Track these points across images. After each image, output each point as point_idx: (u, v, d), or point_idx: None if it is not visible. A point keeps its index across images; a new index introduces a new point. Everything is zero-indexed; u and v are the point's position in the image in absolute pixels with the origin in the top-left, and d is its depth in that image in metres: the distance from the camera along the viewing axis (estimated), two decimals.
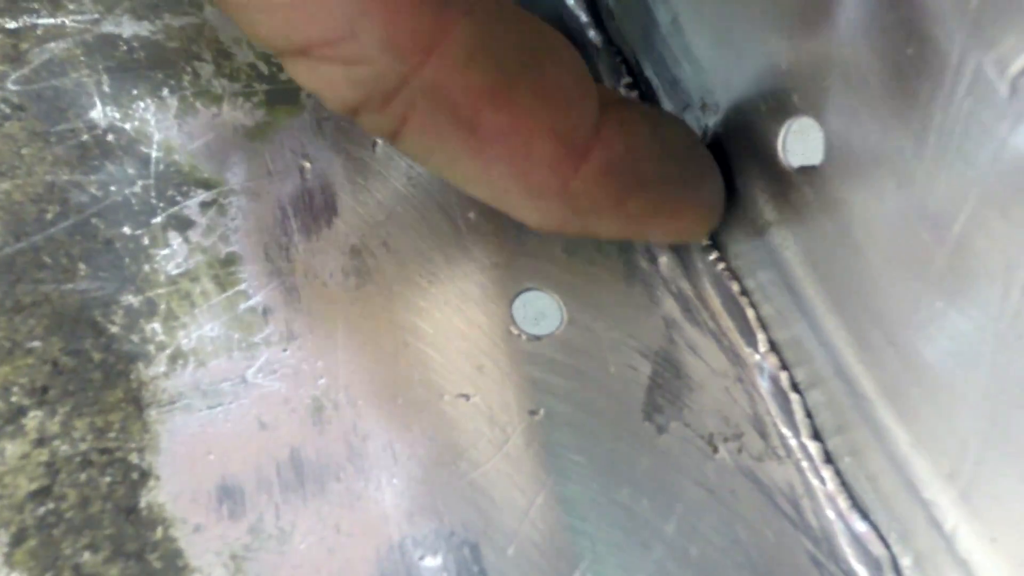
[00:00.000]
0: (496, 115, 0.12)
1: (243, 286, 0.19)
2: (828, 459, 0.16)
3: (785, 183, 0.16)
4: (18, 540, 0.14)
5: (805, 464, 0.17)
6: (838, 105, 0.14)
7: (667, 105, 0.21)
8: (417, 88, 0.11)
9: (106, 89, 0.20)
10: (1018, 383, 0.11)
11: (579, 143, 0.13)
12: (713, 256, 0.19)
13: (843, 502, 0.16)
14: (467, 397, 0.18)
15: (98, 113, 0.20)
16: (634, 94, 0.22)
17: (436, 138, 0.12)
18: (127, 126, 0.20)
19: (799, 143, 0.16)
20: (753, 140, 0.17)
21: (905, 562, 0.15)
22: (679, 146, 0.16)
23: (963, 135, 0.11)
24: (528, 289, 0.20)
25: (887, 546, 0.15)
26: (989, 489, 0.12)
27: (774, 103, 0.16)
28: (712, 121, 0.19)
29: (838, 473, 0.16)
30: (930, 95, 0.11)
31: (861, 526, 0.15)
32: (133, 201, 0.19)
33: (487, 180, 0.13)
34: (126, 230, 0.19)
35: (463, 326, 0.19)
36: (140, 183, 0.20)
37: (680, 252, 0.20)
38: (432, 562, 0.16)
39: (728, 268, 0.19)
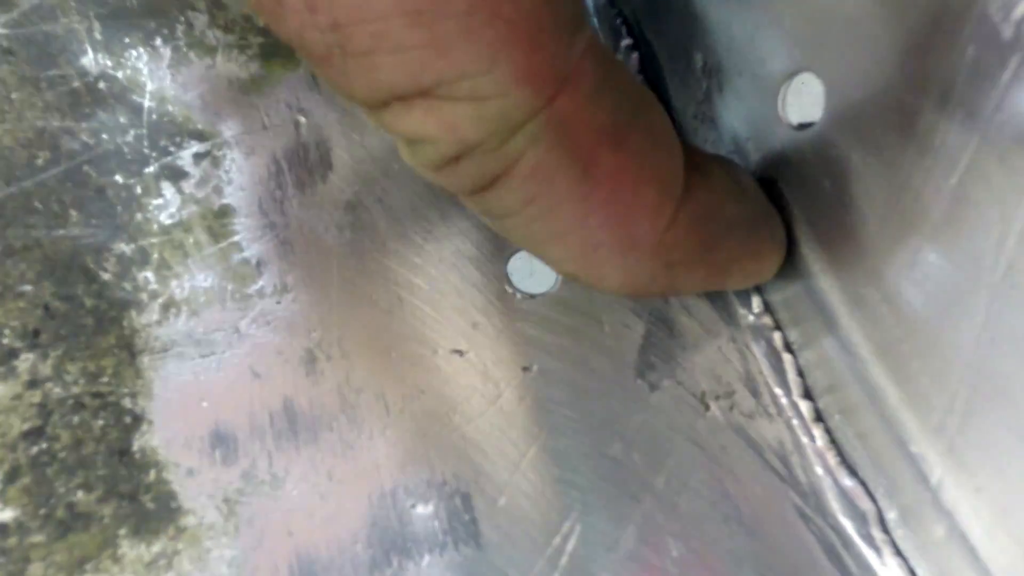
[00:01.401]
0: (613, 155, 0.11)
1: (237, 238, 0.19)
2: (818, 417, 0.17)
3: (785, 140, 0.16)
4: (11, 478, 0.14)
5: (795, 422, 0.17)
6: (840, 58, 0.14)
7: (667, 67, 0.20)
8: (544, 122, 0.11)
9: (97, 36, 0.20)
10: (1010, 334, 0.11)
11: (677, 192, 0.13)
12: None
13: (832, 458, 0.16)
14: (461, 353, 0.18)
15: (89, 60, 0.20)
16: (634, 56, 0.21)
17: (544, 181, 0.11)
18: (119, 74, 0.20)
19: (799, 99, 0.16)
20: (753, 98, 0.17)
21: (891, 516, 0.15)
22: (749, 185, 0.15)
23: (965, 83, 0.11)
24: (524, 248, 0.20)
25: (874, 500, 0.15)
26: (975, 441, 0.12)
27: (775, 59, 0.16)
28: (713, 83, 0.19)
29: (828, 431, 0.16)
30: (934, 43, 0.11)
31: (849, 481, 0.16)
32: (125, 150, 0.19)
33: (583, 230, 0.12)
34: (118, 178, 0.19)
35: (458, 283, 0.19)
36: (132, 132, 0.19)
37: None
38: (423, 510, 0.16)
39: None
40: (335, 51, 0.10)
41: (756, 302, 0.18)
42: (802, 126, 0.16)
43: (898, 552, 0.15)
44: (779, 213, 0.16)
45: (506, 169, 0.11)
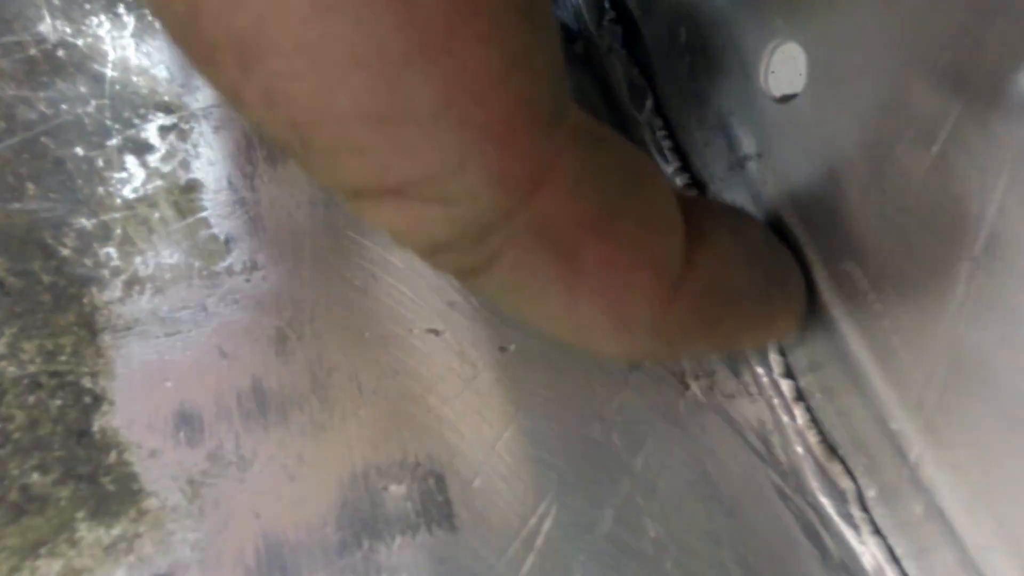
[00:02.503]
0: (600, 245, 0.11)
1: (204, 214, 0.18)
2: (799, 396, 0.16)
3: (766, 113, 0.16)
4: None
5: (776, 401, 0.17)
6: (821, 25, 0.13)
7: (651, 42, 0.20)
8: (521, 221, 0.10)
9: (56, 2, 0.19)
10: (988, 307, 0.11)
11: (675, 272, 0.12)
12: (693, 194, 0.19)
13: (812, 437, 0.16)
14: (437, 332, 0.18)
15: (47, 27, 0.19)
16: (619, 28, 0.21)
17: (528, 273, 0.11)
18: (79, 42, 0.19)
19: (781, 71, 0.16)
20: (736, 71, 0.17)
21: (870, 494, 0.15)
22: (761, 248, 0.14)
23: (952, 50, 0.11)
24: None
25: (853, 479, 0.15)
26: (953, 417, 0.12)
27: (757, 30, 0.15)
28: (697, 57, 0.18)
29: (808, 410, 0.16)
30: (918, 6, 0.11)
31: (829, 460, 0.15)
32: (86, 121, 0.18)
33: (574, 315, 0.11)
34: (78, 151, 0.18)
35: None
36: (94, 103, 0.18)
37: None
38: (396, 491, 0.15)
39: None
40: (296, 144, 0.09)
41: None
42: (784, 98, 0.15)
43: (877, 530, 0.15)
44: (796, 261, 0.15)
45: (486, 263, 0.10)
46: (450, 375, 0.17)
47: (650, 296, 0.11)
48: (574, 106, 0.10)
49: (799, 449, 0.16)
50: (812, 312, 0.16)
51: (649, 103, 0.20)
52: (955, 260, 0.12)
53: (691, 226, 0.12)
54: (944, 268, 0.12)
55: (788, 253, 0.15)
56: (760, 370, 0.17)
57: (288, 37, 0.08)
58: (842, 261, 0.14)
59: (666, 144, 0.19)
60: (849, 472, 0.15)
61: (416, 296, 0.18)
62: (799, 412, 0.16)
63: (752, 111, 0.16)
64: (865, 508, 0.15)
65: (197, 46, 0.08)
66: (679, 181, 0.19)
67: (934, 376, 0.12)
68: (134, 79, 0.19)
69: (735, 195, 0.18)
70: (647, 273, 0.11)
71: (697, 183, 0.19)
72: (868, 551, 0.15)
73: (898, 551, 0.14)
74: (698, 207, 0.13)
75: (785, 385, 0.17)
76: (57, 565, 0.13)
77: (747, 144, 0.17)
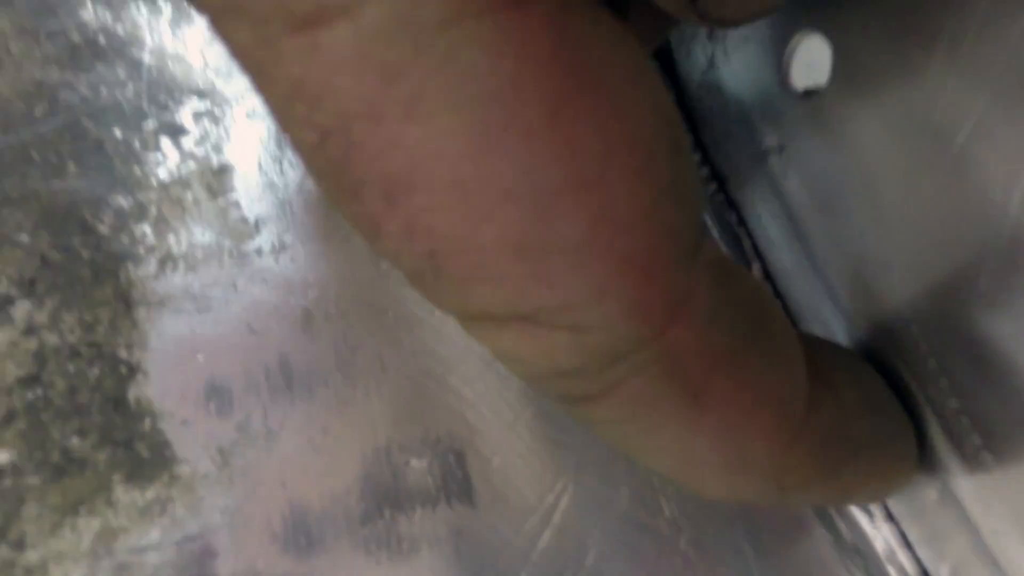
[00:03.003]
0: (727, 381, 0.10)
1: (235, 196, 0.19)
2: None
3: (789, 107, 0.16)
4: (7, 421, 0.14)
5: None
6: (847, 17, 0.14)
7: (673, 32, 0.20)
8: (653, 352, 0.09)
9: None
10: (1009, 300, 0.11)
11: (798, 414, 0.11)
12: (713, 187, 0.19)
13: None
14: None
15: (89, 14, 0.19)
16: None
17: (647, 406, 0.10)
18: (118, 29, 0.20)
19: (805, 64, 0.16)
20: (759, 64, 0.17)
21: None
22: (880, 398, 0.13)
23: (976, 34, 0.11)
24: None
25: None
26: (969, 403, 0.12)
27: (782, 20, 0.15)
28: (718, 48, 0.18)
29: None
30: None
31: None
32: (124, 105, 0.19)
33: (688, 452, 0.11)
34: (117, 133, 0.18)
35: None
36: (132, 87, 0.19)
37: None
38: (417, 465, 0.16)
39: (727, 199, 0.19)
40: (428, 272, 0.09)
41: (756, 269, 0.18)
42: (808, 92, 0.16)
43: (890, 516, 0.15)
44: (909, 417, 0.14)
45: (603, 392, 0.10)
46: (471, 356, 0.18)
47: (771, 437, 0.11)
48: (708, 237, 0.10)
49: None
50: (830, 302, 0.16)
51: (671, 94, 0.20)
52: (978, 255, 0.12)
53: (812, 370, 0.12)
54: (966, 263, 0.12)
55: (900, 406, 0.14)
56: None
57: (441, 175, 0.08)
58: (861, 257, 0.15)
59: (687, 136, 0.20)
60: None
61: None
62: None
63: (775, 104, 0.16)
64: None
65: (343, 183, 0.08)
66: (701, 172, 0.19)
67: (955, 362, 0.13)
68: (170, 65, 0.20)
69: (755, 189, 0.18)
70: (771, 412, 0.11)
71: (717, 176, 0.19)
72: (881, 535, 0.15)
73: (911, 536, 0.14)
74: (820, 349, 0.13)
75: None
76: (96, 523, 0.14)
77: (769, 138, 0.17)
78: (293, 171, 0.20)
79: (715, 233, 0.19)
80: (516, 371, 0.10)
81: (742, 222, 0.19)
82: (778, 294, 0.18)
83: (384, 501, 0.15)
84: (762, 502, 0.13)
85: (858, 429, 0.12)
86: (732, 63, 0.18)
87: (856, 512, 0.15)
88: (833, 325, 0.16)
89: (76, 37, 0.19)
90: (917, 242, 0.13)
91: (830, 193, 0.16)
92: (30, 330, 0.15)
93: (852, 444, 0.12)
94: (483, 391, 0.17)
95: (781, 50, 0.16)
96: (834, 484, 0.12)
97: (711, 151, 0.19)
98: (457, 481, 0.16)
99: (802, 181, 0.16)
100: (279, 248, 0.18)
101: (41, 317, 0.16)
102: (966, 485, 0.13)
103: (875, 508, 0.15)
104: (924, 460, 0.14)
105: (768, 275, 0.18)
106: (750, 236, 0.18)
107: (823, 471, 0.12)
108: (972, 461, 0.13)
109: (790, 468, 0.11)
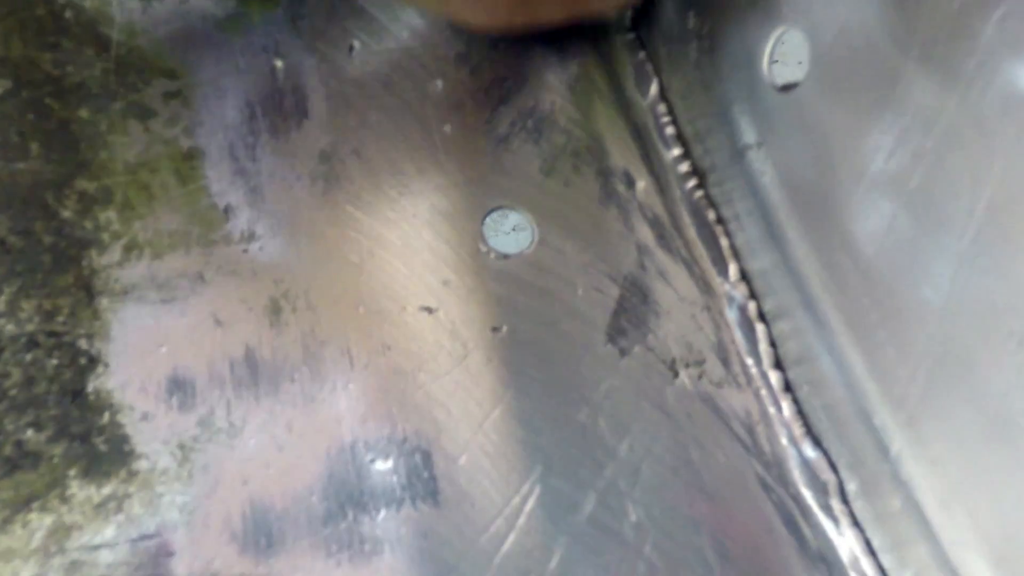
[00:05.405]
0: None
1: (205, 182, 0.18)
2: (787, 388, 0.16)
3: (768, 102, 0.16)
4: None
5: (764, 392, 0.17)
6: (824, 13, 0.13)
7: (659, 25, 0.20)
8: None
9: None
10: (973, 301, 0.11)
11: None
12: (692, 183, 0.19)
13: (797, 429, 0.16)
14: (430, 310, 0.18)
15: None
16: (628, 11, 0.21)
17: None
18: (86, 4, 0.19)
19: (784, 60, 0.15)
20: (740, 58, 0.16)
21: (851, 487, 0.15)
22: None
23: (948, 39, 0.11)
24: (501, 207, 0.19)
25: (835, 471, 0.15)
26: (934, 412, 0.12)
27: (761, 14, 0.15)
28: (704, 45, 0.18)
29: (795, 401, 0.16)
30: None
31: (812, 453, 0.16)
32: (91, 84, 0.18)
33: None
34: (83, 113, 0.18)
35: (431, 240, 0.19)
36: (99, 66, 0.19)
37: (659, 177, 0.19)
38: (382, 465, 0.15)
39: (706, 195, 0.19)
40: None
41: (733, 270, 0.18)
42: (786, 87, 0.15)
43: (856, 523, 0.15)
44: None
45: None
46: (441, 353, 0.17)
47: None
48: None
49: (784, 440, 0.16)
50: (804, 303, 0.16)
51: (654, 88, 0.19)
52: (942, 255, 0.12)
53: None
54: (931, 263, 0.12)
55: None
56: (750, 360, 0.17)
57: None
58: (834, 252, 0.14)
59: (669, 131, 0.19)
60: (832, 465, 0.15)
61: (411, 273, 0.18)
62: (786, 404, 0.16)
63: (754, 99, 0.16)
64: (845, 500, 0.15)
65: None
66: (681, 168, 0.19)
67: (918, 371, 0.12)
68: (139, 43, 0.19)
69: (734, 186, 0.18)
70: None
71: (697, 171, 0.19)
72: (846, 543, 0.15)
73: (875, 543, 0.14)
74: None
75: (774, 376, 0.17)
76: (48, 520, 0.13)
77: (748, 133, 0.17)
78: (267, 158, 0.19)
79: (694, 231, 0.19)
80: None
81: (720, 220, 0.18)
82: (754, 295, 0.18)
83: (347, 501, 0.15)
84: (519, 19, 0.14)
85: None
86: (715, 60, 0.18)
87: (823, 519, 0.15)
88: (809, 329, 0.16)
89: (41, 11, 0.19)
90: (885, 240, 0.13)
91: (805, 190, 0.15)
92: None
93: None
94: (451, 389, 0.17)
95: (762, 45, 0.16)
96: None
97: (692, 146, 0.19)
98: (423, 481, 0.15)
99: (779, 177, 0.16)
100: (248, 237, 0.18)
101: None
102: (929, 496, 0.13)
103: (841, 514, 0.15)
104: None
105: (745, 276, 0.18)
106: (728, 235, 0.18)
107: None
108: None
109: None
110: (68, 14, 0.19)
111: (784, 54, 0.15)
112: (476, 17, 0.13)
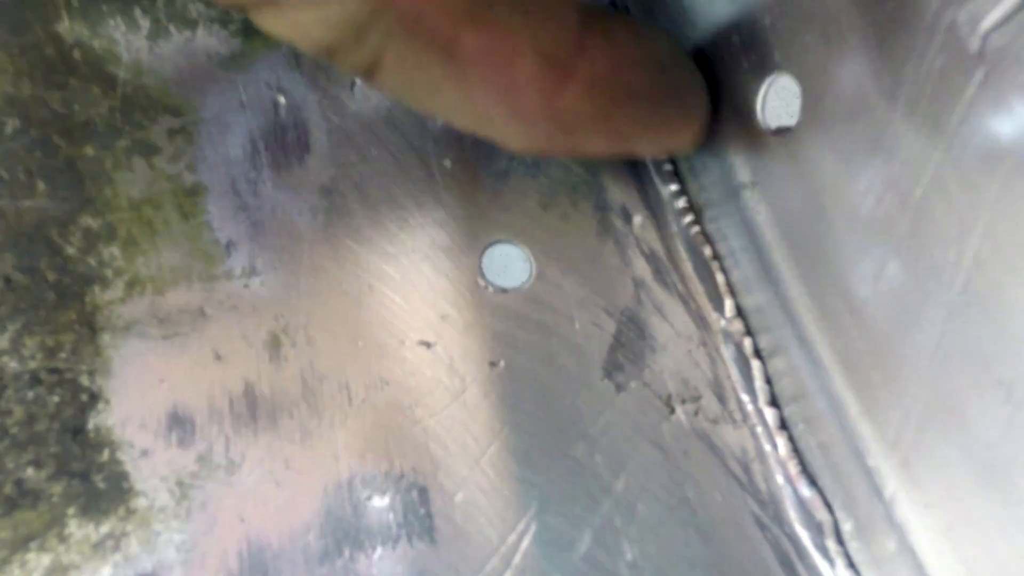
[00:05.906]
0: (476, 36, 0.11)
1: (207, 217, 0.19)
2: (783, 425, 0.17)
3: (761, 144, 0.16)
4: None
5: (760, 429, 0.17)
6: (816, 62, 0.14)
7: None
8: (392, 18, 0.11)
9: (74, 3, 0.19)
10: (963, 350, 0.11)
11: (563, 59, 0.12)
12: (689, 219, 0.19)
13: (793, 467, 0.16)
14: (428, 345, 0.18)
15: (65, 27, 0.19)
16: None
17: (415, 68, 0.12)
18: (95, 44, 0.19)
19: (777, 104, 0.16)
20: (734, 99, 0.17)
21: (846, 527, 0.15)
22: (663, 56, 0.15)
23: (932, 95, 0.11)
24: (499, 241, 0.19)
25: (831, 511, 0.15)
26: (927, 456, 0.12)
27: (756, 60, 0.15)
28: None
29: (791, 439, 0.16)
30: (904, 51, 0.11)
31: (807, 492, 0.16)
32: (97, 122, 0.19)
33: (470, 105, 0.12)
34: (88, 150, 0.18)
35: (430, 274, 0.19)
36: (106, 104, 0.19)
37: (656, 212, 0.19)
38: (379, 502, 0.16)
39: (703, 231, 0.19)
40: None
41: (729, 306, 0.18)
42: (779, 131, 0.15)
43: (851, 564, 0.15)
44: (707, 88, 0.15)
45: (375, 62, 0.12)
46: (439, 388, 0.17)
47: (536, 83, 0.12)
48: None
49: (779, 479, 0.16)
50: (799, 342, 0.16)
51: None
52: (932, 303, 0.12)
53: (592, 25, 0.13)
54: (921, 310, 0.12)
55: (694, 67, 0.15)
56: (745, 397, 0.17)
57: None
58: (828, 296, 0.15)
59: (665, 167, 0.19)
60: (827, 504, 0.15)
61: (410, 307, 0.18)
62: (781, 442, 0.16)
63: (748, 141, 0.16)
64: (841, 541, 0.15)
65: None
66: (678, 204, 0.19)
67: (910, 415, 0.13)
68: (145, 81, 0.20)
69: (729, 223, 0.18)
70: (532, 61, 0.12)
71: (693, 207, 0.19)
72: None
73: None
74: (608, 13, 0.14)
75: (769, 413, 0.17)
76: (46, 560, 0.13)
77: (742, 172, 0.17)
78: (269, 193, 0.19)
79: (690, 266, 0.19)
80: (303, 50, 0.12)
81: (716, 256, 0.19)
82: (750, 331, 0.18)
83: (344, 539, 0.15)
84: (560, 150, 0.14)
85: (632, 77, 0.14)
86: (710, 96, 0.18)
87: (818, 560, 0.15)
88: (803, 367, 0.16)
89: (51, 51, 0.19)
90: (877, 287, 0.13)
91: (798, 231, 0.16)
92: None
93: (625, 91, 0.14)
94: (448, 424, 0.17)
95: (755, 89, 0.16)
96: (612, 127, 0.14)
97: (688, 182, 0.19)
98: (419, 518, 0.16)
99: (773, 217, 0.16)
100: (249, 272, 0.18)
101: (2, 341, 0.15)
102: (923, 539, 0.13)
103: (836, 555, 0.15)
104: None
105: (740, 312, 0.18)
106: (724, 271, 0.18)
107: (596, 113, 0.13)
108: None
109: (564, 111, 0.13)
110: (76, 54, 0.19)
111: (777, 98, 0.15)
112: (515, 142, 0.13)
